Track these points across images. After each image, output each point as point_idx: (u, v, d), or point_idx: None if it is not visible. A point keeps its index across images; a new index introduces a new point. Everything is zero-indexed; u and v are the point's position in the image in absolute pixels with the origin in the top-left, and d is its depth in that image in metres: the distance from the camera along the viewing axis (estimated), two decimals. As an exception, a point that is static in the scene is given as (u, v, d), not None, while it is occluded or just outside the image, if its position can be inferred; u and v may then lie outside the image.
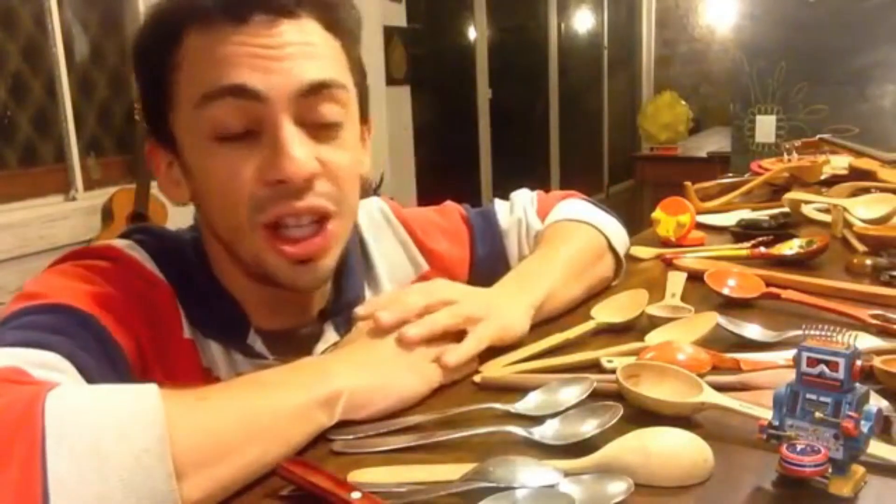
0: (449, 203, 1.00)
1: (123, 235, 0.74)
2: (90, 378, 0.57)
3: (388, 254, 0.88)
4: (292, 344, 0.74)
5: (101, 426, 0.46)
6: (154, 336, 0.66)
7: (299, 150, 0.65)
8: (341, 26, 0.70)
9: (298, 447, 0.56)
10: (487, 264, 0.93)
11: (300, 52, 0.65)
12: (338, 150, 0.68)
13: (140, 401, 0.48)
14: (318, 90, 0.66)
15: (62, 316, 0.60)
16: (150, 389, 0.49)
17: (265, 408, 0.55)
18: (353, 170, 0.71)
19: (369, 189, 0.88)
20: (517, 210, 0.99)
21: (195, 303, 0.70)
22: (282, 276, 0.69)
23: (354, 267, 0.81)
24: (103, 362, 0.60)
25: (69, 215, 2.49)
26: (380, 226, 0.89)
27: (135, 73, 0.71)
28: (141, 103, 0.72)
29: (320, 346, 0.75)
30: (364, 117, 0.75)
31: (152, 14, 0.69)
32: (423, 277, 0.88)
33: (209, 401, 0.53)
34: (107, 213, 2.49)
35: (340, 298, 0.78)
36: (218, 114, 0.64)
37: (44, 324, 0.59)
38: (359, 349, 0.65)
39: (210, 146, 0.66)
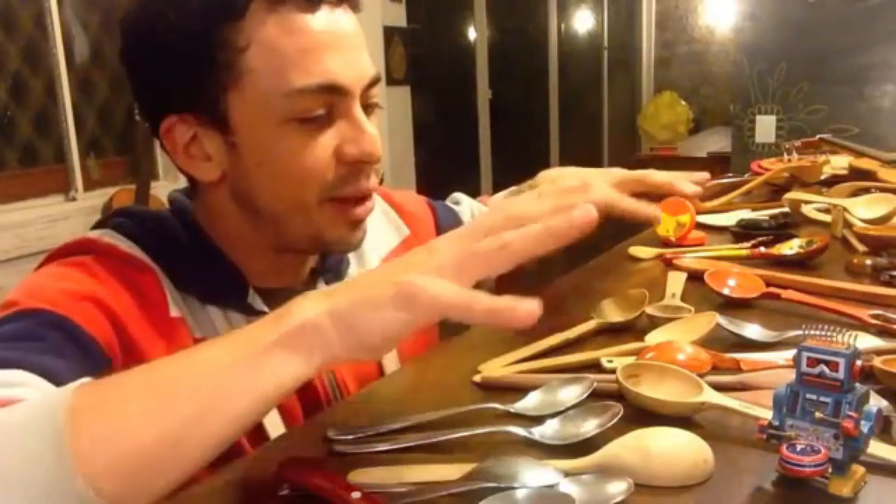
0: None
1: (102, 221, 0.74)
2: (60, 381, 0.55)
3: (374, 221, 0.89)
4: (289, 300, 0.75)
5: (5, 437, 0.44)
6: (140, 320, 0.66)
7: (372, 129, 0.70)
8: (358, 8, 0.74)
9: (259, 404, 0.47)
10: (447, 224, 0.99)
11: (358, 42, 0.70)
12: (377, 130, 0.73)
13: (42, 408, 0.46)
14: (375, 81, 0.72)
15: (31, 322, 0.60)
16: (63, 390, 0.46)
17: (197, 364, 0.48)
18: None
19: None
20: (463, 199, 1.11)
21: (187, 270, 0.71)
22: (339, 242, 0.73)
23: None
24: (78, 362, 0.59)
25: (69, 215, 2.49)
26: None
27: (160, 47, 0.67)
28: (165, 75, 0.68)
29: None
30: None
31: None
32: (405, 242, 0.93)
33: (128, 375, 0.48)
34: (107, 214, 2.50)
35: (328, 258, 0.82)
36: (306, 105, 0.66)
37: (10, 334, 0.59)
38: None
39: (286, 128, 0.67)
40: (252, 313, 0.73)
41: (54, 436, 0.43)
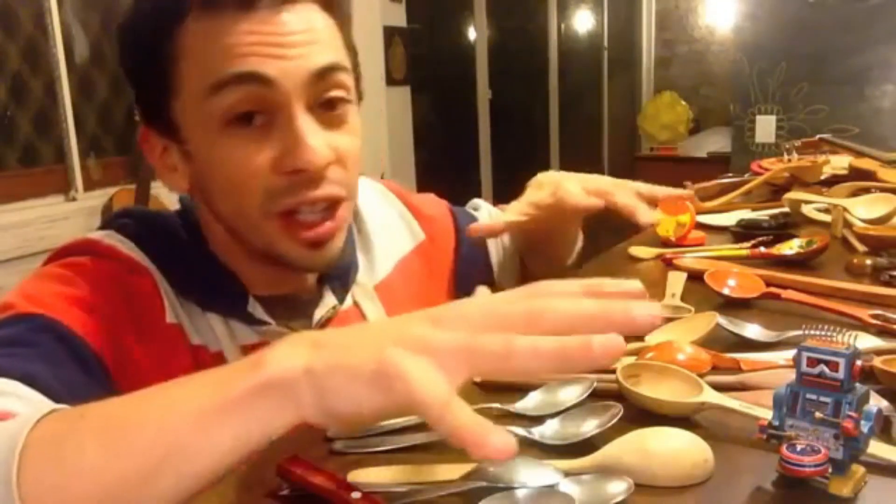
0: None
1: (107, 222, 0.74)
2: (48, 391, 0.56)
3: (388, 224, 0.91)
4: (293, 309, 0.75)
5: None
6: (134, 325, 0.66)
7: (315, 139, 0.65)
8: (336, 6, 0.70)
9: (220, 463, 0.43)
10: (469, 237, 0.96)
11: (307, 38, 0.66)
12: (346, 135, 0.69)
13: (2, 437, 0.44)
14: (326, 75, 0.67)
15: (25, 327, 0.60)
16: (28, 419, 0.44)
17: (161, 410, 0.44)
18: (357, 152, 0.72)
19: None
20: (482, 205, 1.07)
21: (188, 277, 0.71)
22: (295, 260, 0.70)
23: (348, 237, 0.81)
24: (69, 368, 0.59)
25: (69, 215, 2.49)
26: (377, 199, 0.93)
27: (124, 57, 0.70)
28: (133, 88, 0.71)
29: (319, 311, 0.76)
30: (359, 98, 0.76)
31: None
32: (420, 247, 0.92)
33: (92, 414, 0.45)
34: (107, 214, 2.50)
35: (336, 264, 0.78)
36: (228, 102, 0.64)
37: (3, 339, 0.59)
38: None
39: (220, 135, 0.65)
40: (253, 322, 0.72)
41: (7, 473, 0.41)
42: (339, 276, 0.80)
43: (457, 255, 0.97)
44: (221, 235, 0.73)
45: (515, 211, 0.88)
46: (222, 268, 0.73)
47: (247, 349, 0.70)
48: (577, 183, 0.86)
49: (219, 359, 0.69)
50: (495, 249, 1.01)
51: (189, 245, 0.73)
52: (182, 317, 0.69)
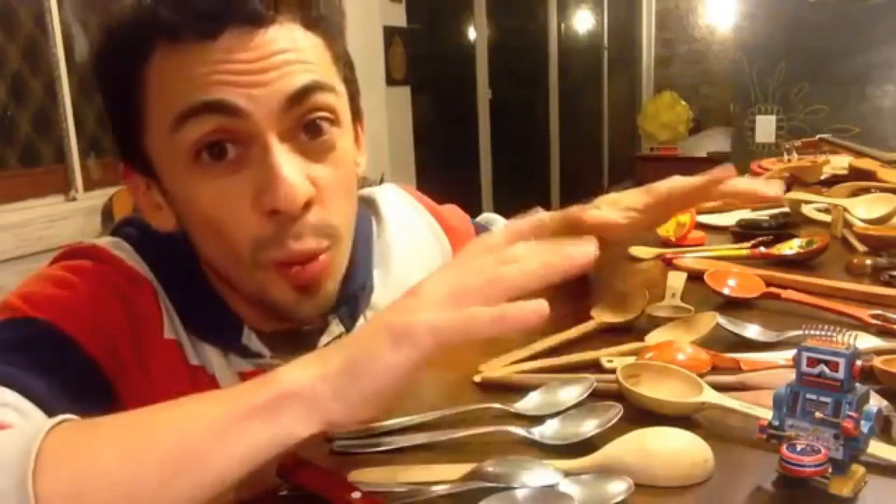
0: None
1: (115, 229, 0.73)
2: (46, 403, 0.55)
3: (416, 236, 0.87)
4: (294, 340, 0.71)
5: None
6: (132, 338, 0.65)
7: (290, 171, 0.59)
8: (322, 22, 0.65)
9: (231, 473, 0.44)
10: None
11: (280, 61, 0.60)
12: (331, 167, 0.64)
13: (16, 442, 0.43)
14: (303, 98, 0.61)
15: (27, 332, 0.60)
16: (41, 426, 0.44)
17: (175, 422, 0.45)
18: (348, 185, 0.67)
19: (369, 185, 0.89)
20: (496, 221, 1.04)
21: (185, 304, 0.69)
22: (286, 306, 0.65)
23: (361, 254, 0.77)
24: (68, 376, 0.59)
25: (69, 215, 2.49)
26: (406, 211, 0.88)
27: (99, 91, 0.66)
28: (109, 122, 0.67)
29: (324, 339, 0.73)
30: (356, 115, 0.71)
31: (113, 27, 0.63)
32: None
33: (103, 427, 0.46)
34: (107, 214, 2.50)
35: (345, 289, 0.73)
36: (195, 135, 0.59)
37: (4, 344, 0.58)
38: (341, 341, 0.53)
39: (191, 173, 0.61)
40: (249, 355, 0.69)
41: (20, 484, 0.41)
42: (347, 301, 0.74)
43: None
44: (215, 273, 0.70)
45: (623, 209, 0.83)
46: (215, 298, 0.70)
47: (245, 376, 0.68)
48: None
49: (216, 382, 0.68)
50: None
51: (186, 270, 0.70)
52: (181, 334, 0.68)
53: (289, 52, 0.61)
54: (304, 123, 0.62)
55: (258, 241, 0.62)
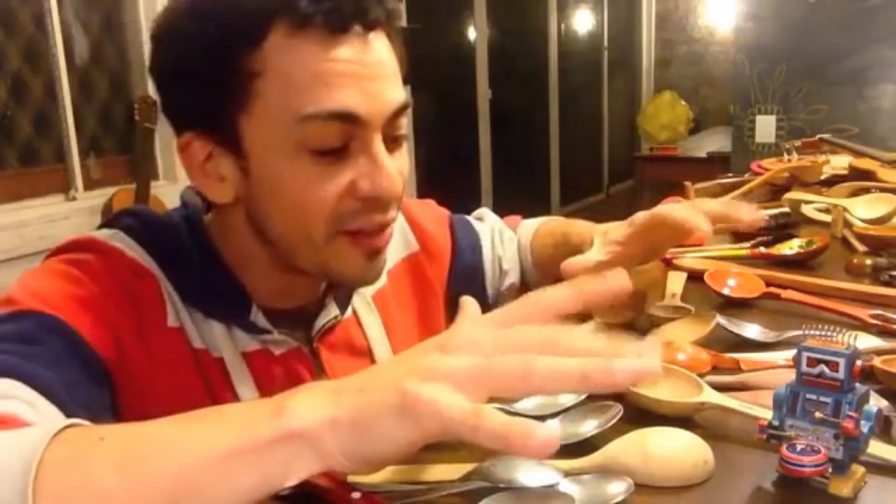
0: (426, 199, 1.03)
1: (111, 220, 0.73)
2: (52, 394, 0.55)
3: None
4: (294, 319, 0.75)
5: None
6: (136, 327, 0.65)
7: (391, 165, 0.66)
8: (398, 36, 0.70)
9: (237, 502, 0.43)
10: (467, 255, 0.95)
11: (386, 70, 0.66)
12: (403, 158, 0.70)
13: (19, 449, 0.43)
14: (401, 112, 0.68)
15: (31, 324, 0.60)
16: (45, 432, 0.44)
17: (183, 443, 0.44)
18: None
19: None
20: (488, 216, 1.04)
21: (191, 283, 0.70)
22: (352, 275, 0.70)
23: None
24: (74, 369, 0.59)
25: (69, 215, 2.49)
26: None
27: (181, 60, 0.65)
28: (183, 92, 0.67)
29: (322, 319, 0.76)
30: None
31: (233, 3, 0.63)
32: (412, 257, 0.90)
33: (106, 441, 0.45)
34: (107, 214, 2.50)
35: None
36: (317, 133, 0.63)
37: (9, 336, 0.58)
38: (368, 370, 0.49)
39: (298, 159, 0.64)
40: (255, 331, 0.71)
41: (23, 486, 0.41)
42: (342, 287, 0.79)
43: (451, 271, 0.94)
44: (238, 246, 0.71)
45: (602, 246, 0.81)
46: (228, 275, 0.72)
47: (247, 355, 0.70)
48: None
49: (220, 364, 0.69)
50: (491, 273, 0.98)
51: (194, 251, 0.71)
52: (185, 320, 0.69)
53: (389, 62, 0.67)
54: (394, 129, 0.68)
55: (338, 214, 0.66)
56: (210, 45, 0.63)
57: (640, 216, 0.81)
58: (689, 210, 0.76)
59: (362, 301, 0.81)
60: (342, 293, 0.78)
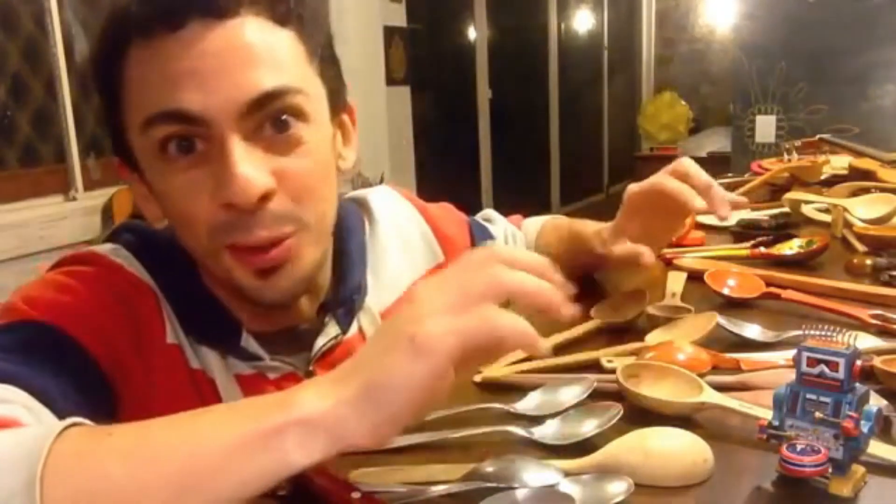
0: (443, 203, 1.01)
1: (110, 236, 0.73)
2: (51, 401, 0.55)
3: (407, 242, 0.86)
4: (291, 342, 0.72)
5: None
6: (135, 342, 0.65)
7: (246, 168, 0.59)
8: (295, 15, 0.63)
9: (242, 494, 0.43)
10: None
11: (242, 59, 0.60)
12: (298, 159, 0.63)
13: (25, 443, 0.43)
14: (267, 102, 0.60)
15: (31, 333, 0.60)
16: (51, 429, 0.44)
17: (191, 436, 0.44)
18: (319, 173, 0.66)
19: (367, 185, 0.86)
20: (495, 217, 1.04)
21: (183, 308, 0.69)
22: (248, 290, 0.66)
23: (355, 255, 0.78)
24: (73, 378, 0.59)
25: (69, 215, 2.49)
26: (399, 214, 0.88)
27: (95, 89, 0.67)
28: (104, 119, 0.68)
29: (321, 341, 0.72)
30: (337, 111, 0.70)
31: (100, 27, 0.64)
32: (437, 269, 0.87)
33: (114, 436, 0.45)
34: (107, 214, 2.50)
35: (341, 289, 0.74)
36: (157, 138, 0.61)
37: (10, 345, 0.58)
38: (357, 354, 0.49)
39: (162, 168, 0.62)
40: (248, 358, 0.69)
41: (28, 486, 0.41)
42: (344, 303, 0.74)
43: None
44: (205, 269, 0.70)
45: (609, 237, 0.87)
46: (212, 299, 0.70)
47: (241, 378, 0.69)
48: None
49: (214, 385, 0.68)
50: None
51: (182, 274, 0.70)
52: (182, 339, 0.68)
53: (251, 49, 0.60)
54: (269, 124, 0.62)
55: (213, 227, 0.62)
56: (94, 67, 0.65)
57: (634, 186, 0.85)
58: (681, 184, 0.81)
59: (369, 319, 0.77)
60: (343, 310, 0.74)
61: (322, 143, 0.66)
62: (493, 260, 0.48)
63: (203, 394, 0.67)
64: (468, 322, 0.43)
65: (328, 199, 0.69)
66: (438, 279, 0.48)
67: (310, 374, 0.71)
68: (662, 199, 0.82)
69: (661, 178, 0.83)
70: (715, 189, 0.81)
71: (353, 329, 0.75)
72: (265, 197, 0.61)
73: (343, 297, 0.74)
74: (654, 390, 0.60)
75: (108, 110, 0.66)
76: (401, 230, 0.86)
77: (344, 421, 0.42)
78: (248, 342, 0.69)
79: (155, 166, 0.63)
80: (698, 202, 0.79)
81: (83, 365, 0.61)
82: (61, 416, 0.54)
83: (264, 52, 0.61)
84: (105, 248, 0.70)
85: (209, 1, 0.59)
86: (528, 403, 0.61)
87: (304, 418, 0.43)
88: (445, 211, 0.95)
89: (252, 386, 0.68)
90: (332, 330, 0.73)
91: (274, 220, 0.62)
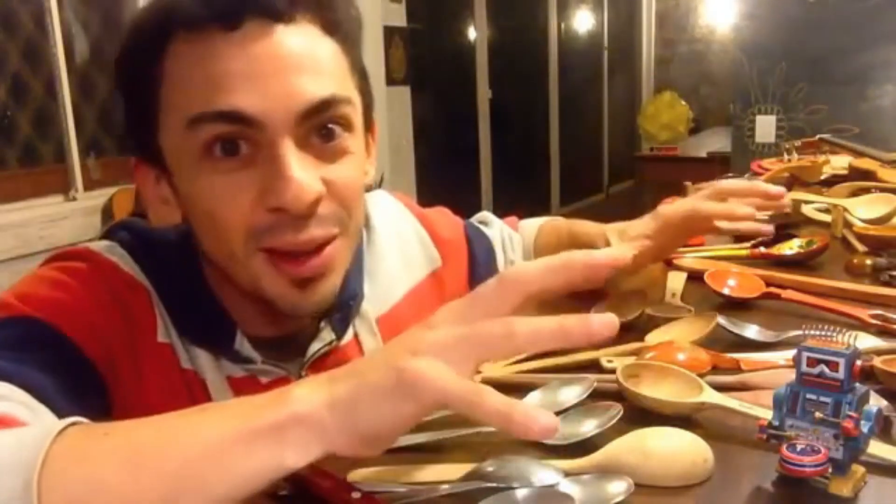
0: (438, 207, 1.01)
1: (106, 233, 0.72)
2: (46, 399, 0.55)
3: (404, 247, 0.86)
4: (285, 346, 0.72)
5: None
6: (127, 340, 0.65)
7: (300, 173, 0.59)
8: (341, 27, 0.64)
9: (239, 492, 0.43)
10: (483, 264, 0.94)
11: (298, 64, 0.60)
12: (343, 168, 0.64)
13: (25, 444, 0.43)
14: (321, 110, 0.61)
15: (25, 330, 0.60)
16: (50, 429, 0.44)
17: (186, 436, 0.44)
18: (359, 184, 0.67)
19: (370, 190, 0.86)
20: (492, 220, 1.03)
21: (178, 307, 0.68)
22: (280, 300, 0.64)
23: (353, 263, 0.76)
24: (67, 375, 0.59)
25: (69, 215, 2.49)
26: (396, 219, 0.88)
27: (117, 85, 0.66)
28: (124, 115, 0.67)
29: (315, 346, 0.72)
30: (368, 124, 0.71)
31: (135, 21, 0.63)
32: (436, 274, 0.87)
33: (110, 437, 0.45)
34: (107, 214, 2.50)
35: (338, 296, 0.74)
36: (205, 138, 0.59)
37: (3, 341, 0.58)
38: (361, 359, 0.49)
39: (201, 169, 0.61)
40: (240, 360, 0.69)
41: (28, 480, 0.41)
42: (340, 309, 0.73)
43: (469, 282, 0.92)
44: (212, 270, 0.70)
45: (631, 238, 0.87)
46: (212, 302, 0.69)
47: (233, 381, 0.69)
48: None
49: (205, 386, 0.68)
50: (502, 251, 0.98)
51: (183, 273, 0.69)
52: (174, 338, 0.68)
53: (307, 56, 0.61)
54: (320, 132, 0.62)
55: (252, 230, 0.61)
56: (127, 62, 0.64)
57: (669, 210, 0.86)
58: (720, 205, 0.83)
59: (365, 325, 0.77)
60: (339, 316, 0.74)
61: (362, 155, 0.67)
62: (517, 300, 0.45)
63: (194, 394, 0.67)
64: (462, 393, 0.41)
65: (363, 211, 0.70)
66: (457, 305, 0.46)
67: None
68: (698, 223, 0.85)
69: (698, 203, 0.85)
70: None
71: (349, 335, 0.75)
72: (315, 203, 0.61)
73: (339, 303, 0.73)
74: (654, 390, 0.60)
75: (137, 108, 0.64)
76: (398, 236, 0.86)
77: (328, 424, 0.42)
78: (242, 345, 0.69)
79: (193, 166, 0.61)
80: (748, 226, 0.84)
81: (76, 361, 0.61)
82: (57, 412, 0.55)
83: (318, 60, 0.61)
84: (99, 245, 0.69)
85: (269, 3, 0.59)
86: (528, 403, 0.61)
87: (295, 415, 0.43)
88: (441, 215, 0.95)
89: (244, 389, 0.68)
90: (326, 335, 0.73)
91: (322, 221, 0.62)
